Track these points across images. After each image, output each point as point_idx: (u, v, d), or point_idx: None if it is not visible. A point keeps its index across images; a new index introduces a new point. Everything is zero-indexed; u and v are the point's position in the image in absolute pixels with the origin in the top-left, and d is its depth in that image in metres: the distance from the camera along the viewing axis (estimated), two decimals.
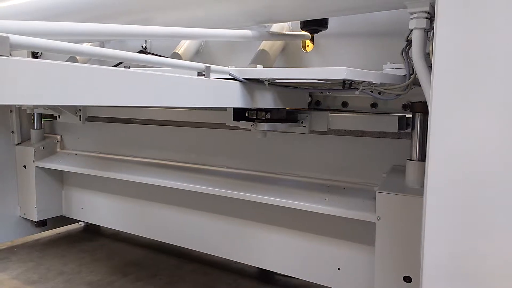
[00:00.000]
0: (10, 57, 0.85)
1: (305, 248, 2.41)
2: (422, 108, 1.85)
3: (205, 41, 2.53)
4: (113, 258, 3.45)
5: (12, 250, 3.59)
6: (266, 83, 1.62)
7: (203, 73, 1.38)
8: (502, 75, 1.05)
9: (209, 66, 1.39)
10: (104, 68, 1.03)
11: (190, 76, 1.32)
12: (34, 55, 2.94)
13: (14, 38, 0.88)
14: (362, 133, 2.25)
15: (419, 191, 1.72)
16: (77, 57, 2.62)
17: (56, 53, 1.07)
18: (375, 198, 1.87)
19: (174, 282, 3.03)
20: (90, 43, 2.52)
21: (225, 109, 2.17)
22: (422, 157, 1.83)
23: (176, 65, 1.39)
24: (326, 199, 2.18)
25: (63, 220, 3.70)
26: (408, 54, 1.57)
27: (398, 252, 1.81)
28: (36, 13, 2.17)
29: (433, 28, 1.22)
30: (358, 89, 1.51)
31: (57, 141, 3.60)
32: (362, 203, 2.08)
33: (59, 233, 4.03)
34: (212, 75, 1.42)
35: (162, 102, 1.17)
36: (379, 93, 1.68)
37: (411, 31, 1.45)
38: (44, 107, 2.97)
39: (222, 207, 2.72)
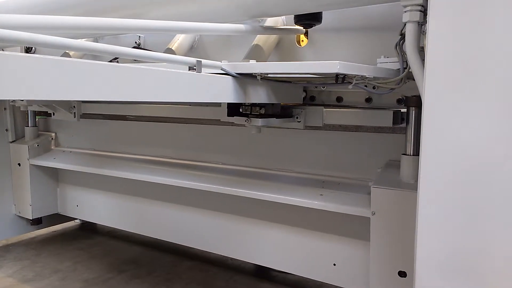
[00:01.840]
0: None
1: (301, 244, 2.40)
2: (416, 102, 1.84)
3: (199, 36, 2.51)
4: (109, 256, 3.44)
5: (7, 248, 3.58)
6: (258, 77, 1.61)
7: (194, 67, 1.36)
8: (495, 69, 1.04)
9: (200, 61, 1.37)
10: (94, 63, 1.02)
11: (180, 71, 1.30)
12: (27, 50, 2.91)
13: None
14: (357, 128, 2.25)
15: (413, 186, 1.71)
16: (70, 53, 2.60)
17: (43, 47, 1.05)
18: (370, 193, 1.87)
19: (170, 279, 3.02)
20: (84, 39, 2.51)
21: (219, 104, 2.16)
22: (417, 152, 1.82)
23: (166, 59, 1.37)
24: (321, 195, 2.17)
25: (59, 218, 3.69)
26: (402, 48, 1.55)
27: (393, 247, 1.81)
28: (29, 10, 2.15)
29: (426, 21, 1.21)
30: (352, 83, 1.50)
31: (52, 139, 3.57)
32: (357, 198, 2.07)
33: (55, 231, 4.01)
34: (204, 70, 1.40)
35: (151, 97, 1.16)
36: (374, 87, 1.67)
37: (405, 24, 1.44)
38: (35, 103, 2.94)
39: (217, 204, 2.71)
